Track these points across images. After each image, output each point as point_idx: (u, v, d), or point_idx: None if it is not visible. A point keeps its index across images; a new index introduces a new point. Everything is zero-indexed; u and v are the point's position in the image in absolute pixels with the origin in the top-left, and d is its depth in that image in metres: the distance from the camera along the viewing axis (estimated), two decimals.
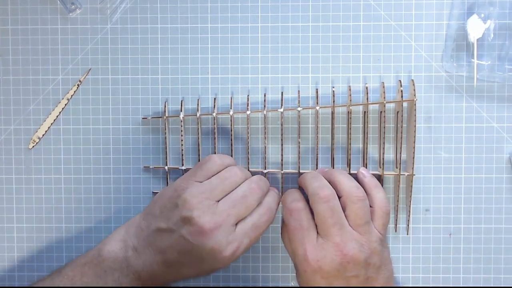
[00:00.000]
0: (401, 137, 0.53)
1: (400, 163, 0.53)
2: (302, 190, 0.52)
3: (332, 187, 0.49)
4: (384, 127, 0.52)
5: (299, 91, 0.54)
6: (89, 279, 0.47)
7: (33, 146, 0.55)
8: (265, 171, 0.53)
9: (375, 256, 0.48)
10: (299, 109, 0.52)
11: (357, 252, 0.47)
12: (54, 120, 0.55)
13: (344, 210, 0.48)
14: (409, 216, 0.54)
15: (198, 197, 0.47)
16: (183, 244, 0.46)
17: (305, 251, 0.47)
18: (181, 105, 0.54)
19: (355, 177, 0.51)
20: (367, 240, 0.48)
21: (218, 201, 0.48)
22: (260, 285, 0.55)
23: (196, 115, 0.54)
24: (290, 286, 0.54)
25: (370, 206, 0.50)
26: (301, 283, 0.49)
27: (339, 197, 0.49)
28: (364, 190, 0.50)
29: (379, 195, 0.50)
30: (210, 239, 0.46)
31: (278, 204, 0.51)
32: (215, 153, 0.53)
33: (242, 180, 0.50)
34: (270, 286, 0.55)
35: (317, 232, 0.48)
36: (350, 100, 0.52)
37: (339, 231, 0.47)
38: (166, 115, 0.54)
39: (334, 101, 0.53)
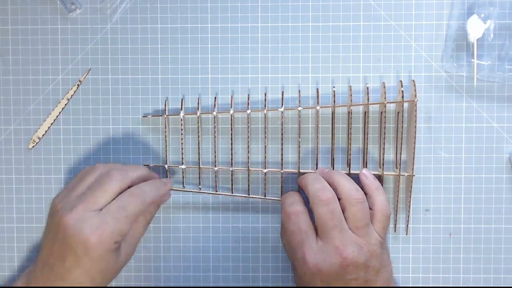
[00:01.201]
0: (401, 138, 0.53)
1: (400, 164, 0.53)
2: (301, 190, 0.52)
3: (332, 188, 0.49)
4: (385, 128, 0.52)
5: (299, 90, 0.54)
6: None
7: (33, 146, 0.55)
8: (265, 170, 0.53)
9: (375, 259, 0.48)
10: (299, 108, 0.52)
11: (356, 255, 0.47)
12: (54, 120, 0.55)
13: (343, 212, 0.48)
14: (408, 216, 0.54)
15: (60, 198, 0.48)
16: (59, 248, 0.46)
17: (304, 254, 0.47)
18: (181, 104, 0.54)
19: (356, 177, 0.51)
20: (367, 242, 0.48)
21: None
22: (260, 285, 0.55)
23: (196, 114, 0.54)
24: (290, 286, 0.54)
25: (370, 209, 0.50)
26: (298, 282, 0.49)
27: (339, 199, 0.49)
28: (365, 192, 0.50)
29: (380, 197, 0.50)
30: (73, 230, 0.45)
31: (160, 190, 0.50)
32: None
33: (101, 173, 0.49)
34: (270, 286, 0.55)
35: (317, 235, 0.48)
36: (351, 100, 0.52)
37: (338, 234, 0.47)
38: (167, 113, 0.54)
39: (334, 101, 0.53)
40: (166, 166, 0.54)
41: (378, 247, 0.48)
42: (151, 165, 0.55)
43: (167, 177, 0.54)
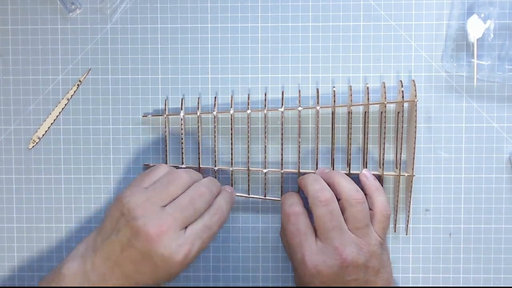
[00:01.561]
0: (401, 138, 0.53)
1: (400, 164, 0.53)
2: (301, 191, 0.52)
3: (331, 189, 0.49)
4: (385, 128, 0.52)
5: (299, 90, 0.54)
6: None
7: (33, 146, 0.55)
8: (265, 170, 0.53)
9: (374, 259, 0.48)
10: (299, 108, 0.52)
11: (356, 255, 0.47)
12: (54, 120, 0.55)
13: (343, 213, 0.49)
14: (408, 216, 0.54)
15: (142, 204, 0.47)
16: (135, 254, 0.46)
17: (303, 255, 0.47)
18: (182, 104, 0.54)
19: (356, 178, 0.51)
20: (366, 243, 0.48)
21: (165, 206, 0.47)
22: (260, 285, 0.55)
23: (196, 113, 0.54)
24: (290, 286, 0.54)
25: (370, 209, 0.50)
26: (298, 283, 0.49)
27: (338, 200, 0.49)
28: (365, 192, 0.50)
29: (380, 198, 0.50)
30: (158, 246, 0.45)
31: (231, 203, 0.51)
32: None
33: (188, 184, 0.49)
34: (270, 286, 0.55)
35: (316, 236, 0.48)
36: (351, 100, 0.52)
37: (338, 235, 0.47)
38: (167, 113, 0.54)
39: (334, 101, 0.53)
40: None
41: (378, 247, 0.48)
42: (151, 163, 0.55)
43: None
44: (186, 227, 0.47)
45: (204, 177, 0.51)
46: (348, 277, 0.47)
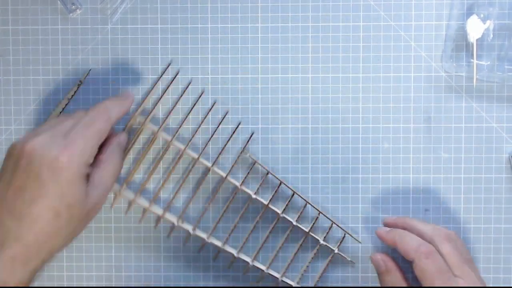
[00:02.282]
0: None
1: None
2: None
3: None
4: None
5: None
6: None
7: None
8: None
9: None
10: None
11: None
12: None
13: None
14: None
15: (23, 137, 0.45)
16: (17, 180, 0.42)
17: None
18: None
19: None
20: (471, 280, 0.46)
21: None
22: (260, 285, 0.55)
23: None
24: (290, 286, 0.54)
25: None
26: None
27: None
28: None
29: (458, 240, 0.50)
30: (36, 152, 0.42)
31: (122, 108, 0.49)
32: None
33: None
34: (270, 286, 0.55)
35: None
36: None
37: (472, 266, 0.47)
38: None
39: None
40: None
41: (479, 279, 0.47)
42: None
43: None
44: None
45: None
46: None
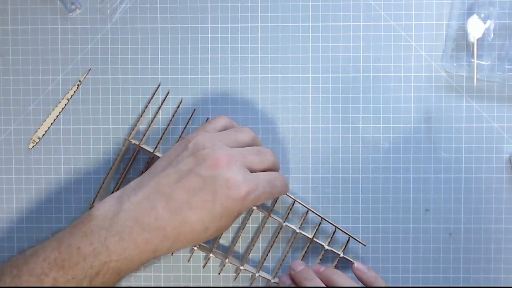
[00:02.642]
0: None
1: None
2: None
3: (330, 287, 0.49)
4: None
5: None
6: (76, 240, 0.43)
7: (33, 146, 0.55)
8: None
9: None
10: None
11: None
12: (54, 120, 0.55)
13: None
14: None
15: (210, 140, 0.45)
16: (194, 182, 0.43)
17: None
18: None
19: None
20: None
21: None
22: (260, 285, 0.55)
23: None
24: (292, 286, 0.54)
25: None
26: None
27: None
28: (365, 285, 0.50)
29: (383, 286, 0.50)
30: (226, 171, 0.43)
31: (285, 190, 0.49)
32: None
33: (252, 140, 0.48)
34: (270, 286, 0.55)
35: None
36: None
37: None
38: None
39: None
40: None
41: None
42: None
43: None
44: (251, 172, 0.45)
45: None
46: None
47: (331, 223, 0.53)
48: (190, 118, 0.54)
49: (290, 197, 0.53)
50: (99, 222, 0.43)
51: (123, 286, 0.55)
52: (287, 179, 0.51)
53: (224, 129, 0.49)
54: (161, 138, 0.54)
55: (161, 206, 0.43)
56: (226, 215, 0.44)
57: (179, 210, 0.43)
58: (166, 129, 0.54)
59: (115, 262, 0.43)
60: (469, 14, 0.52)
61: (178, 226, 0.43)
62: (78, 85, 0.55)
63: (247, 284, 0.55)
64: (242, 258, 0.55)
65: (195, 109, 0.54)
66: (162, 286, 0.55)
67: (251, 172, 0.45)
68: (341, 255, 0.54)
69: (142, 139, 0.53)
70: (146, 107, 0.54)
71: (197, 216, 0.43)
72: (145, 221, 0.43)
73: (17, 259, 0.44)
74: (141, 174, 0.47)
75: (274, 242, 0.54)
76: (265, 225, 0.54)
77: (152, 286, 0.55)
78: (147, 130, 0.54)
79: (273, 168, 0.48)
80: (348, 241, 0.54)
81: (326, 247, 0.54)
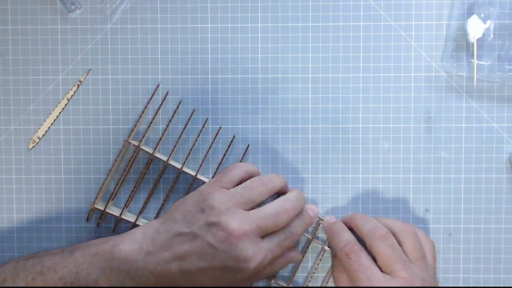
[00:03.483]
0: None
1: None
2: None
3: None
4: None
5: None
6: (94, 272, 0.45)
7: (33, 146, 0.55)
8: None
9: None
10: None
11: (423, 285, 0.46)
12: (54, 120, 0.55)
13: (401, 246, 0.48)
14: None
15: (226, 203, 0.47)
16: (206, 250, 0.45)
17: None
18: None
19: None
20: (428, 275, 0.47)
21: (247, 210, 0.47)
22: (260, 285, 0.55)
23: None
24: (290, 286, 0.54)
25: None
26: None
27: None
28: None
29: (420, 232, 0.51)
30: (236, 246, 0.45)
31: (307, 228, 0.51)
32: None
33: (271, 191, 0.49)
34: (270, 286, 0.55)
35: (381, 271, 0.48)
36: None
37: (404, 266, 0.47)
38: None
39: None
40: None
41: (435, 279, 0.48)
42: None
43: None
44: (262, 238, 0.47)
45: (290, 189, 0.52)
46: None
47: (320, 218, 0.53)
48: (189, 119, 0.54)
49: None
50: (120, 264, 0.46)
51: (123, 286, 0.55)
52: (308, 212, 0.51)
53: (242, 181, 0.50)
54: (160, 139, 0.54)
55: (174, 267, 0.46)
56: (237, 282, 0.47)
57: (190, 273, 0.46)
58: (165, 130, 0.54)
59: None
60: (469, 14, 0.52)
61: (189, 282, 0.46)
62: (78, 85, 0.55)
63: None
64: None
65: (194, 110, 0.54)
66: (163, 286, 0.55)
67: (264, 236, 0.47)
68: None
69: (141, 140, 0.53)
70: (145, 107, 0.54)
71: (206, 280, 0.46)
72: (159, 274, 0.46)
73: (33, 266, 0.46)
74: (158, 215, 0.51)
75: None
76: None
77: (153, 286, 0.55)
78: (146, 131, 0.54)
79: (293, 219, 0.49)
80: None
81: (326, 247, 0.54)
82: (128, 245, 0.46)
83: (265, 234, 0.47)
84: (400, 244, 0.49)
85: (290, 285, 0.54)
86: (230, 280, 0.46)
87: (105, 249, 0.46)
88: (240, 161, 0.54)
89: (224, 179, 0.49)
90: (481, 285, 0.55)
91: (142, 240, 0.47)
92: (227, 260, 0.45)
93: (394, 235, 0.49)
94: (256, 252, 0.46)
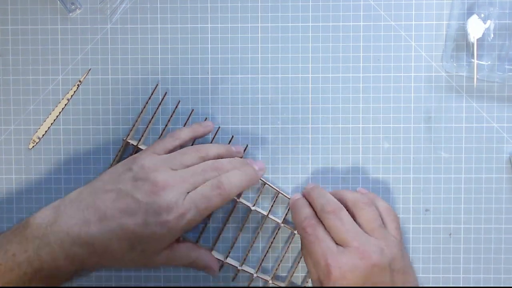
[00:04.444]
0: None
1: None
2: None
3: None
4: None
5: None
6: (12, 247, 0.44)
7: (33, 146, 0.55)
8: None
9: (399, 261, 0.46)
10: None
11: (379, 255, 0.45)
12: (54, 120, 0.55)
13: (355, 219, 0.48)
14: None
15: (156, 164, 0.47)
16: (130, 205, 0.45)
17: (326, 260, 0.46)
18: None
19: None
20: (386, 244, 0.46)
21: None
22: (260, 285, 0.55)
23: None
24: (289, 286, 0.54)
25: None
26: None
27: (347, 209, 0.49)
28: None
29: (381, 203, 0.50)
30: (160, 197, 0.45)
31: (246, 183, 0.50)
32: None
33: (208, 158, 0.49)
34: (270, 286, 0.55)
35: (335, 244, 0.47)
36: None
37: (355, 236, 0.46)
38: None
39: None
40: None
41: (398, 249, 0.47)
42: None
43: None
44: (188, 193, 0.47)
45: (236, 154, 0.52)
46: (374, 279, 0.45)
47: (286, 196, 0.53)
48: (188, 118, 0.54)
49: (287, 197, 0.53)
50: (34, 231, 0.44)
51: (123, 286, 0.55)
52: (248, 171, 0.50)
53: (174, 149, 0.50)
54: (159, 139, 0.54)
55: (93, 223, 0.44)
56: (156, 240, 0.45)
57: (110, 229, 0.44)
58: (164, 129, 0.54)
59: (46, 271, 0.44)
60: (469, 14, 0.52)
61: (107, 244, 0.45)
62: (78, 85, 0.55)
63: (246, 284, 0.55)
64: (241, 258, 0.54)
65: (193, 109, 0.54)
66: (162, 286, 0.55)
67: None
68: None
69: (140, 140, 0.53)
70: (144, 107, 0.54)
71: (125, 236, 0.45)
72: (76, 235, 0.44)
73: None
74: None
75: (272, 242, 0.54)
76: (264, 225, 0.54)
77: (152, 286, 0.55)
78: (145, 130, 0.54)
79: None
80: None
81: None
82: (43, 210, 0.46)
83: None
84: (354, 216, 0.48)
85: (289, 285, 0.54)
86: (151, 233, 0.45)
87: (21, 223, 0.46)
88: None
89: (157, 146, 0.49)
90: (481, 285, 0.55)
91: (59, 203, 0.46)
92: (150, 212, 0.44)
93: (348, 208, 0.49)
94: (178, 205, 0.45)
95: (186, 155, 0.49)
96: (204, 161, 0.49)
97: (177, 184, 0.46)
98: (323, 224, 0.48)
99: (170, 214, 0.45)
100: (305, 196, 0.52)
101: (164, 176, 0.46)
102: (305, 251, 0.49)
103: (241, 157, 0.53)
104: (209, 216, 0.54)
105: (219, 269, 0.53)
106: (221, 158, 0.50)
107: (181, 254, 0.49)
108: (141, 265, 0.47)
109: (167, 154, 0.49)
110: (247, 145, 0.54)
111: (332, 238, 0.47)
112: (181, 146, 0.51)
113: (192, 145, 0.53)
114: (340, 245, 0.47)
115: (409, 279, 0.47)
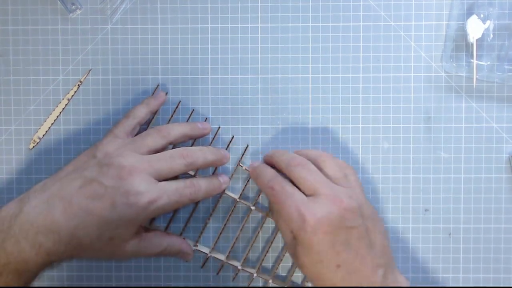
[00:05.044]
0: None
1: None
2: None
3: None
4: None
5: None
6: None
7: (33, 146, 0.55)
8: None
9: (366, 207, 0.47)
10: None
11: (349, 200, 0.46)
12: (55, 120, 0.55)
13: (321, 171, 0.49)
14: None
15: (119, 148, 0.47)
16: (96, 189, 0.44)
17: (299, 210, 0.45)
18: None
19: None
20: (353, 192, 0.47)
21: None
22: (260, 285, 0.55)
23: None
24: (288, 286, 0.55)
25: None
26: (302, 255, 0.46)
27: None
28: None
29: (339, 161, 0.51)
30: (127, 181, 0.44)
31: (213, 191, 0.50)
32: None
33: (172, 139, 0.49)
34: (270, 286, 0.55)
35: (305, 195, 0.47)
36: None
37: (324, 185, 0.47)
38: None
39: None
40: None
41: (363, 197, 0.48)
42: None
43: None
44: (158, 181, 0.46)
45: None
46: (349, 223, 0.45)
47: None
48: (188, 118, 0.54)
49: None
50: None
51: (123, 286, 0.55)
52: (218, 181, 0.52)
53: (135, 129, 0.51)
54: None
55: (58, 211, 0.44)
56: (124, 225, 0.45)
57: (75, 215, 0.44)
58: None
59: (14, 264, 0.43)
60: (469, 14, 0.53)
61: (73, 231, 0.44)
62: (78, 85, 0.55)
63: (246, 284, 0.55)
64: (241, 258, 0.55)
65: (193, 109, 0.54)
66: (162, 286, 0.55)
67: (161, 179, 0.47)
68: None
69: None
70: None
71: (92, 222, 0.44)
72: (40, 224, 0.43)
73: None
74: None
75: (272, 242, 0.54)
76: (264, 225, 0.54)
77: (152, 286, 0.55)
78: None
79: (194, 169, 0.49)
80: None
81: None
82: (9, 204, 0.45)
83: (162, 179, 0.47)
84: (319, 169, 0.49)
85: (289, 285, 0.54)
86: (115, 223, 0.44)
87: None
88: (239, 161, 0.54)
89: (115, 130, 0.50)
90: (481, 285, 0.55)
91: (24, 195, 0.46)
92: (117, 197, 0.44)
93: (312, 162, 0.49)
94: (149, 190, 0.45)
95: (148, 136, 0.49)
96: (168, 141, 0.49)
97: (144, 170, 0.45)
98: (289, 180, 0.48)
99: (139, 198, 0.44)
100: (267, 162, 0.52)
101: (130, 161, 0.46)
102: (275, 212, 0.49)
103: (207, 133, 0.53)
104: (209, 217, 0.54)
105: (219, 270, 0.53)
106: (187, 137, 0.51)
107: (152, 242, 0.49)
108: (110, 254, 0.46)
109: (128, 136, 0.50)
110: (247, 145, 0.54)
111: (301, 190, 0.47)
112: (143, 126, 0.53)
113: (192, 145, 0.53)
114: (310, 195, 0.47)
115: (378, 225, 0.47)
